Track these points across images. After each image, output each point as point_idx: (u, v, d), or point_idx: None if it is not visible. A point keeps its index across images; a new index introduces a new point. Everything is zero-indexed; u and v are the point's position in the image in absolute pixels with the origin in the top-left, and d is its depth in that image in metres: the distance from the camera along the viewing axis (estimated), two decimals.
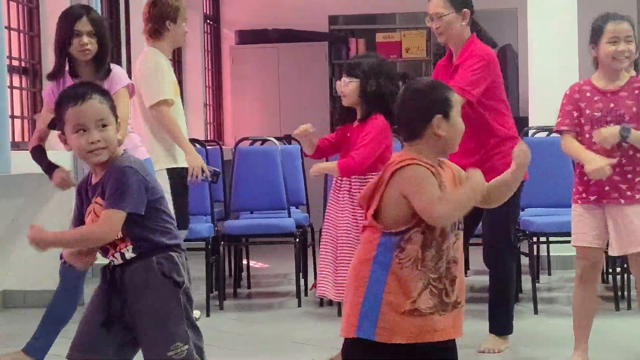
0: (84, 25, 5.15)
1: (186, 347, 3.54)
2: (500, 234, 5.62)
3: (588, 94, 4.95)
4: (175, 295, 3.56)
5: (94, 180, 3.60)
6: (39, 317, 5.36)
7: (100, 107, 3.52)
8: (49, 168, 5.27)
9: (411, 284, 3.25)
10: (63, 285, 5.25)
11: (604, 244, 5.03)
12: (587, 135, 4.93)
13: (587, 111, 4.93)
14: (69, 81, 5.15)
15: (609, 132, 4.81)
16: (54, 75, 5.25)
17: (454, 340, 3.34)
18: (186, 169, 6.09)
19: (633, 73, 5.15)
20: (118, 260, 3.59)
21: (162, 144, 6.14)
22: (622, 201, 4.91)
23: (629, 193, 4.90)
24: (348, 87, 5.28)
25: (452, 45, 5.68)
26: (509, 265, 5.66)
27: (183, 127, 6.16)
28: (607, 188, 4.91)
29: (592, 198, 4.96)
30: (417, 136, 3.32)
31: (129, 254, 3.57)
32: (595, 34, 4.97)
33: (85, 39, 5.14)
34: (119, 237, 3.55)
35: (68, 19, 5.19)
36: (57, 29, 5.25)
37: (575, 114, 4.95)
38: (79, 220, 3.65)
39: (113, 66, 5.31)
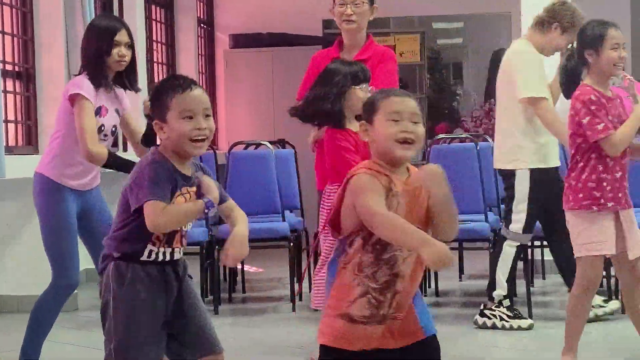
0: (122, 36, 5.15)
1: None
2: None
3: (603, 100, 4.93)
4: None
5: (184, 171, 3.60)
6: None
7: (206, 98, 3.63)
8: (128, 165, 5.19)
9: (350, 288, 3.29)
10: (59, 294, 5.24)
11: (616, 250, 4.98)
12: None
13: (610, 117, 4.91)
14: (102, 93, 5.12)
15: None
16: (101, 83, 5.13)
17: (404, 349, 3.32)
18: (554, 168, 6.25)
19: None
20: (178, 256, 3.62)
21: (532, 142, 6.19)
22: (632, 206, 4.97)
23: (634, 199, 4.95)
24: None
25: (353, 38, 5.64)
26: None
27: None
28: (620, 195, 4.91)
29: (610, 204, 4.91)
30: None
31: (178, 253, 3.64)
32: (596, 40, 4.93)
33: (124, 50, 5.14)
34: (186, 231, 3.65)
35: (108, 30, 5.15)
36: (93, 39, 5.16)
37: (610, 118, 4.90)
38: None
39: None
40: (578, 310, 5.05)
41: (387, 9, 12.47)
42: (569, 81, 5.11)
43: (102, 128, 5.14)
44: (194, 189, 3.59)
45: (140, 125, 5.35)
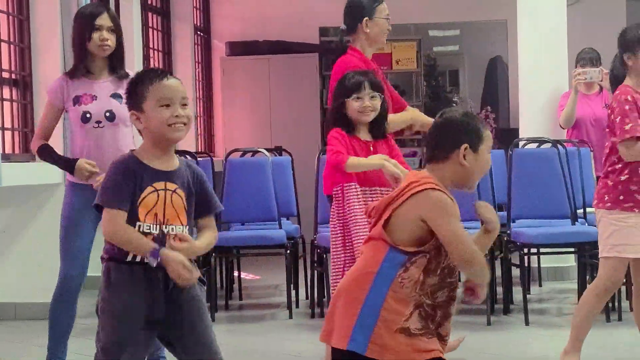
0: (104, 20, 5.16)
1: None
2: None
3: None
4: (204, 293, 3.72)
5: (159, 167, 3.60)
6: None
7: (183, 88, 3.64)
8: (68, 163, 5.22)
9: (406, 303, 3.27)
10: (66, 294, 5.24)
11: None
12: None
13: None
14: (84, 80, 5.17)
15: None
16: (75, 73, 5.22)
17: None
18: None
19: None
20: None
21: None
22: None
23: None
24: (375, 101, 4.99)
25: (375, 47, 5.65)
26: None
27: None
28: None
29: None
30: (441, 160, 3.33)
31: None
32: (634, 44, 4.96)
33: (106, 34, 5.15)
34: (183, 232, 3.61)
35: (88, 15, 5.20)
36: (75, 25, 5.24)
37: None
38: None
39: (128, 70, 5.33)
40: (591, 311, 5.03)
41: None
42: (614, 83, 5.15)
43: (88, 115, 5.15)
44: (175, 185, 3.60)
45: None
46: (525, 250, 7.08)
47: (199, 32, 12.23)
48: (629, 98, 4.91)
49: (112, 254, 3.61)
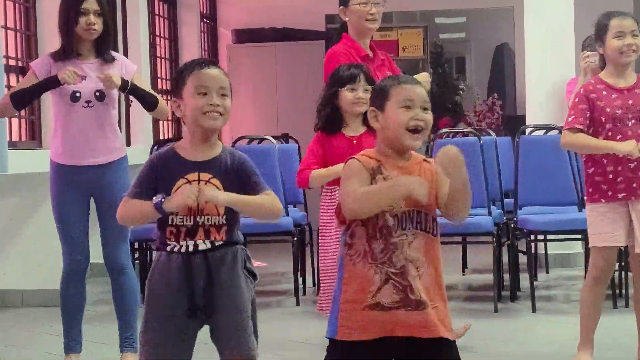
0: (91, 4, 5.19)
1: (256, 342, 3.63)
2: None
3: (604, 92, 4.93)
4: (252, 288, 3.64)
5: (190, 157, 3.57)
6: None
7: (224, 77, 3.60)
8: (49, 79, 5.19)
9: (368, 278, 3.26)
10: (73, 277, 5.27)
11: (627, 242, 4.98)
12: (609, 134, 4.89)
13: (608, 109, 4.88)
14: (72, 61, 5.19)
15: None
16: (63, 55, 5.24)
17: (440, 340, 3.26)
18: None
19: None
20: (204, 247, 3.55)
21: None
22: None
23: None
24: (368, 94, 4.97)
25: (369, 36, 5.41)
26: None
27: None
28: (634, 185, 4.88)
29: (621, 195, 4.89)
30: (374, 131, 3.42)
31: (218, 243, 3.56)
32: (601, 31, 4.95)
33: (92, 17, 5.18)
34: (220, 222, 3.55)
35: None
36: (62, 8, 5.27)
37: (588, 114, 4.92)
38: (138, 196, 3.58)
39: (114, 53, 5.37)
40: (589, 300, 5.04)
41: (390, 3, 12.44)
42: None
43: (78, 94, 5.17)
44: (209, 175, 3.56)
45: (149, 88, 5.45)
46: (532, 237, 7.07)
47: (205, 20, 12.22)
48: (582, 91, 4.97)
49: (156, 243, 3.60)
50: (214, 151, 3.61)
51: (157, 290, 3.57)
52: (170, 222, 3.54)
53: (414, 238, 3.27)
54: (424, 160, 3.38)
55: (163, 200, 3.47)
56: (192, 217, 3.54)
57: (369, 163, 3.29)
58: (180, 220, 3.54)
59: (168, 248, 3.55)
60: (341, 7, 5.35)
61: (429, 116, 3.32)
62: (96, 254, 5.35)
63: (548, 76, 8.38)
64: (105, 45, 5.29)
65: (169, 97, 10.71)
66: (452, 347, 3.32)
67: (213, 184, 3.54)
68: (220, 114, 3.55)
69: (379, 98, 3.35)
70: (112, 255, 5.30)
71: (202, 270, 3.55)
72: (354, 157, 3.31)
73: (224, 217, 3.56)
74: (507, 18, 12.35)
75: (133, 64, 5.44)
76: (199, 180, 3.54)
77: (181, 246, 3.54)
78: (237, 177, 3.59)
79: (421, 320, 3.24)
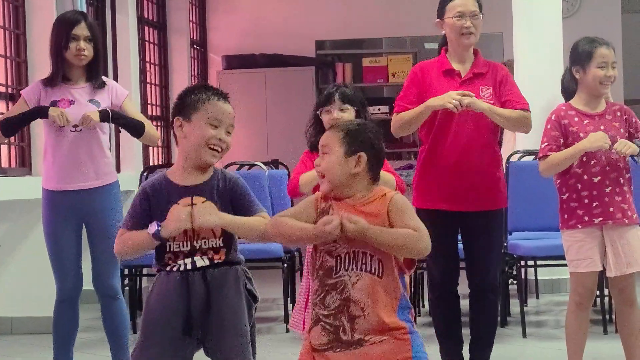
0: (81, 30, 5.19)
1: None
2: (499, 257, 5.56)
3: (576, 118, 4.96)
4: (252, 308, 3.67)
5: (182, 182, 3.60)
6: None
7: (233, 115, 3.71)
8: (38, 109, 5.20)
9: (309, 317, 3.34)
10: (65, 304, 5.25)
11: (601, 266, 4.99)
12: (584, 159, 4.90)
13: (581, 134, 4.91)
14: (61, 86, 5.19)
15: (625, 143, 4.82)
16: (52, 81, 5.25)
17: None
18: None
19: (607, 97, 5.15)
20: (202, 263, 3.57)
21: None
22: (626, 221, 4.91)
23: (629, 213, 4.92)
24: (346, 114, 4.91)
25: (467, 50, 5.31)
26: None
27: None
28: (611, 209, 4.89)
29: (597, 220, 4.90)
30: None
31: (201, 261, 3.58)
32: (583, 58, 4.97)
33: (83, 43, 5.18)
34: (218, 245, 3.58)
35: (66, 24, 5.22)
36: (53, 33, 5.27)
37: (561, 140, 4.94)
38: (136, 222, 3.61)
39: (105, 78, 5.38)
40: (573, 326, 5.05)
41: (380, 29, 12.58)
42: (568, 96, 5.15)
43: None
44: (202, 199, 3.57)
45: (139, 114, 5.45)
46: (523, 262, 7.07)
47: (195, 46, 12.24)
48: (553, 117, 5.00)
49: (155, 267, 3.63)
50: (205, 175, 3.63)
51: (154, 307, 3.59)
52: (167, 249, 3.55)
53: (357, 279, 3.26)
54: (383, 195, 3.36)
55: (159, 227, 3.48)
56: (188, 242, 3.55)
57: (320, 201, 3.34)
58: (177, 246, 3.55)
59: (167, 268, 3.56)
60: (437, 20, 5.31)
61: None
62: (85, 280, 5.33)
63: (538, 101, 8.37)
64: (95, 71, 5.29)
65: (159, 124, 10.77)
66: None
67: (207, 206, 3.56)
68: (222, 150, 3.61)
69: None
70: (105, 281, 5.28)
71: (201, 289, 3.55)
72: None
73: (221, 239, 3.58)
74: (496, 44, 12.37)
75: (124, 90, 5.44)
76: (192, 204, 3.54)
77: (179, 265, 3.54)
78: (230, 199, 3.62)
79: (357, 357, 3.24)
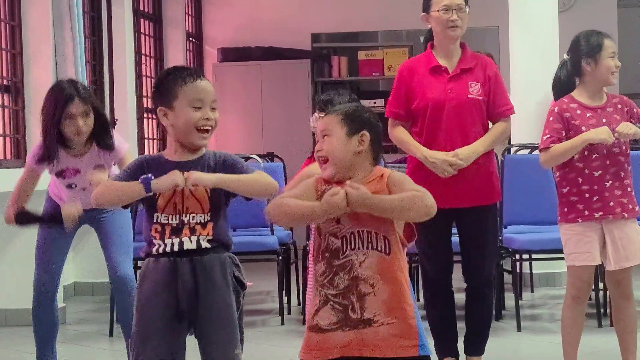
0: (76, 107, 4.94)
1: (241, 347, 3.64)
2: (494, 252, 5.56)
3: (578, 111, 4.94)
4: (240, 296, 3.65)
5: (178, 159, 3.63)
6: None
7: (213, 90, 3.65)
8: (53, 214, 5.17)
9: (313, 299, 3.34)
10: (44, 302, 5.25)
11: (601, 260, 4.99)
12: (585, 152, 4.90)
13: (584, 127, 4.89)
14: (62, 153, 5.09)
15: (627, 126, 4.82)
16: (49, 158, 5.05)
17: None
18: None
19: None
20: (190, 245, 3.57)
21: None
22: (626, 215, 4.91)
23: (630, 207, 4.92)
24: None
25: (453, 44, 5.27)
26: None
27: None
28: (611, 204, 4.88)
29: (598, 215, 4.89)
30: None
31: (205, 243, 3.58)
32: (594, 49, 4.96)
33: (80, 122, 4.96)
34: (205, 220, 3.58)
35: (59, 101, 4.96)
36: (46, 107, 5.04)
37: (563, 133, 4.93)
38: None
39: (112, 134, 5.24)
40: (569, 320, 5.04)
41: (376, 23, 12.58)
42: (562, 90, 5.12)
43: (74, 186, 5.13)
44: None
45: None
46: (517, 256, 7.08)
47: (190, 38, 12.23)
48: (556, 110, 4.97)
49: (144, 249, 3.63)
50: (197, 153, 3.67)
51: (145, 294, 3.59)
52: (155, 220, 3.56)
53: (364, 257, 3.28)
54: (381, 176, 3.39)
55: (152, 178, 3.50)
56: (177, 216, 3.56)
57: (319, 182, 3.37)
58: (166, 219, 3.56)
59: (154, 249, 3.57)
60: (423, 14, 5.30)
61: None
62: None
63: (533, 95, 8.40)
64: (101, 137, 5.09)
65: (154, 116, 10.75)
66: None
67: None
68: (212, 128, 3.61)
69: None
70: (124, 274, 5.22)
71: (189, 278, 3.56)
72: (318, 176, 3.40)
73: (209, 214, 3.59)
74: (492, 37, 12.38)
75: (124, 145, 5.26)
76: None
77: (166, 245, 3.54)
78: (223, 170, 3.65)
79: (364, 340, 3.26)
